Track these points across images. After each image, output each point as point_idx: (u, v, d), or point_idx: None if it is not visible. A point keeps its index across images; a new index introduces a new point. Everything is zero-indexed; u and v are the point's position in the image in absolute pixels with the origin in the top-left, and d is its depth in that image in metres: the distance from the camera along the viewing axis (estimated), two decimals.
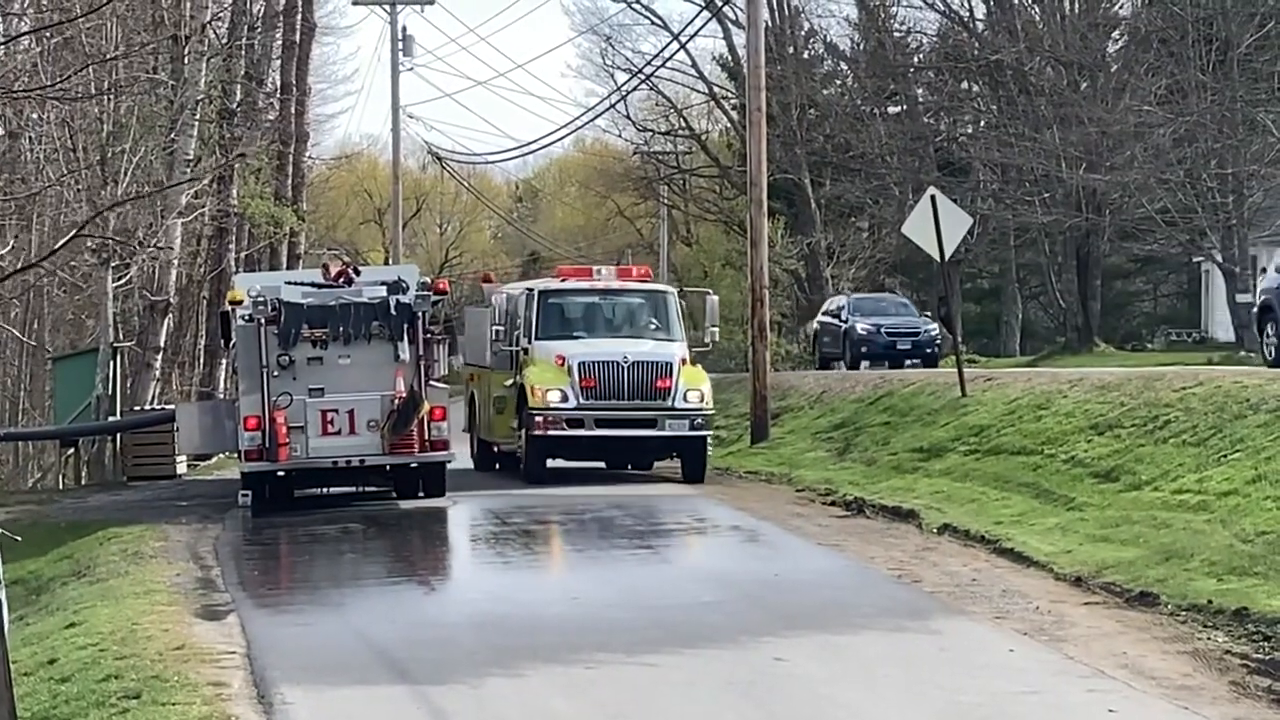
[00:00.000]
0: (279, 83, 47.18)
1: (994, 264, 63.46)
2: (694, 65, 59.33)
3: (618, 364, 26.10)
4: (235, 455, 27.11)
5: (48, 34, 28.50)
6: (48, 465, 41.90)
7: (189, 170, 36.19)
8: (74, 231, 29.57)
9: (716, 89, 61.34)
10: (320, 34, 52.93)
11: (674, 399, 26.06)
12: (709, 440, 27.01)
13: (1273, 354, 25.69)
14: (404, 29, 66.63)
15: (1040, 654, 13.04)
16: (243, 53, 42.93)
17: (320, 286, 25.07)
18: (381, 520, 23.33)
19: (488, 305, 30.37)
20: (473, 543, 22.49)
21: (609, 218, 78.48)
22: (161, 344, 38.17)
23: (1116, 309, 63.99)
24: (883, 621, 14.45)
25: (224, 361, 39.27)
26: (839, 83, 61.76)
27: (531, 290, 28.12)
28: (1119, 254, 55.73)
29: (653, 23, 60.12)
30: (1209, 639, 13.25)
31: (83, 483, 34.54)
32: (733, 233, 59.45)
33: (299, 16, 47.18)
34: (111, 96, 32.23)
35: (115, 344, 35.17)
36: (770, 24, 51.58)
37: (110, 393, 34.17)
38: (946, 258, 27.96)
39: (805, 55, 59.30)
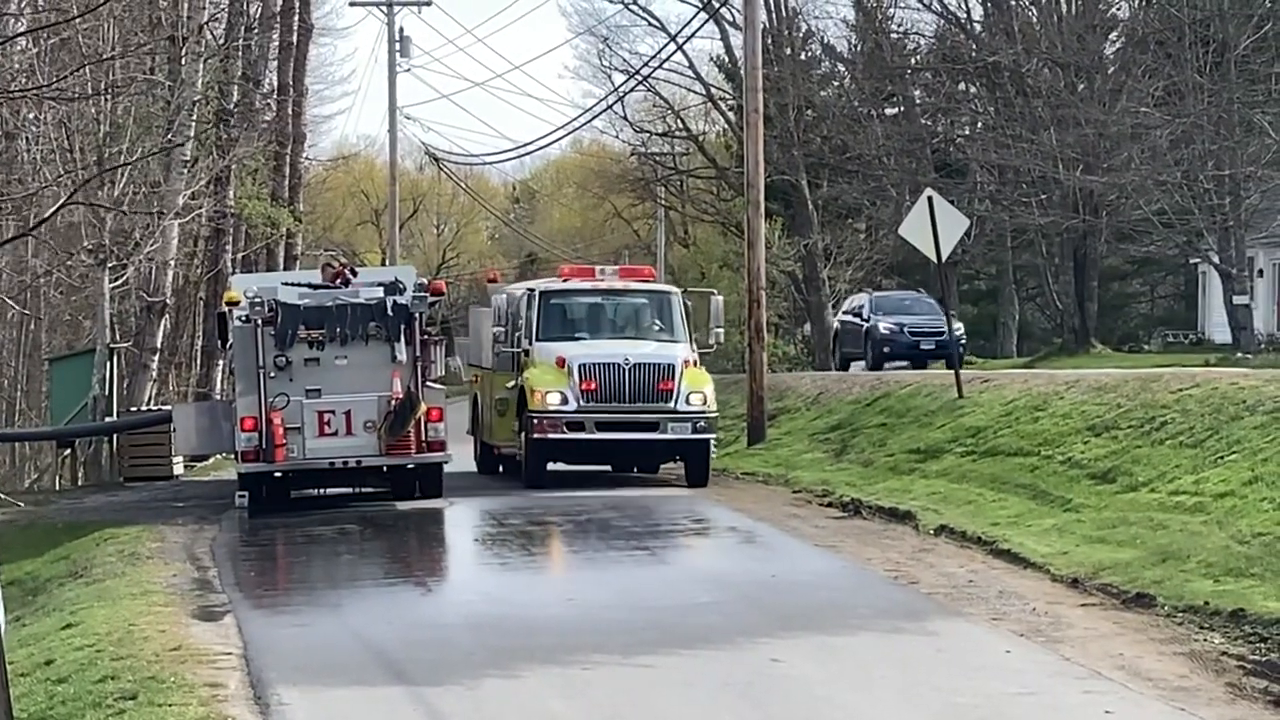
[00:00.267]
0: (276, 84, 47.21)
1: (991, 265, 63.49)
2: (691, 66, 59.36)
3: (619, 366, 25.68)
4: (232, 456, 27.13)
5: (45, 34, 28.53)
6: (44, 466, 41.90)
7: (186, 171, 36.18)
8: (66, 197, 29.49)
9: (714, 90, 61.33)
10: (317, 35, 53.05)
11: (676, 402, 25.64)
12: (713, 444, 26.63)
13: None
14: (401, 30, 66.76)
15: (1037, 655, 13.04)
16: (240, 54, 42.96)
17: (317, 287, 25.10)
18: (378, 521, 23.32)
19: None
20: (470, 544, 22.51)
21: (606, 219, 78.51)
22: (158, 345, 38.18)
23: (1113, 310, 64.04)
24: (879, 623, 14.45)
25: (221, 362, 39.29)
26: (836, 84, 61.75)
27: (533, 290, 27.66)
28: (1116, 255, 55.74)
29: (650, 24, 60.15)
30: (1205, 640, 13.25)
31: (79, 484, 34.54)
32: (730, 234, 59.46)
33: (296, 17, 47.19)
34: (108, 97, 32.29)
35: (112, 345, 35.18)
36: (767, 25, 51.55)
37: (107, 394, 34.17)
38: (943, 259, 27.95)
39: (802, 56, 59.27)
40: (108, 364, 34.36)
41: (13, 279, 39.91)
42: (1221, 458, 18.80)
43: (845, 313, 43.15)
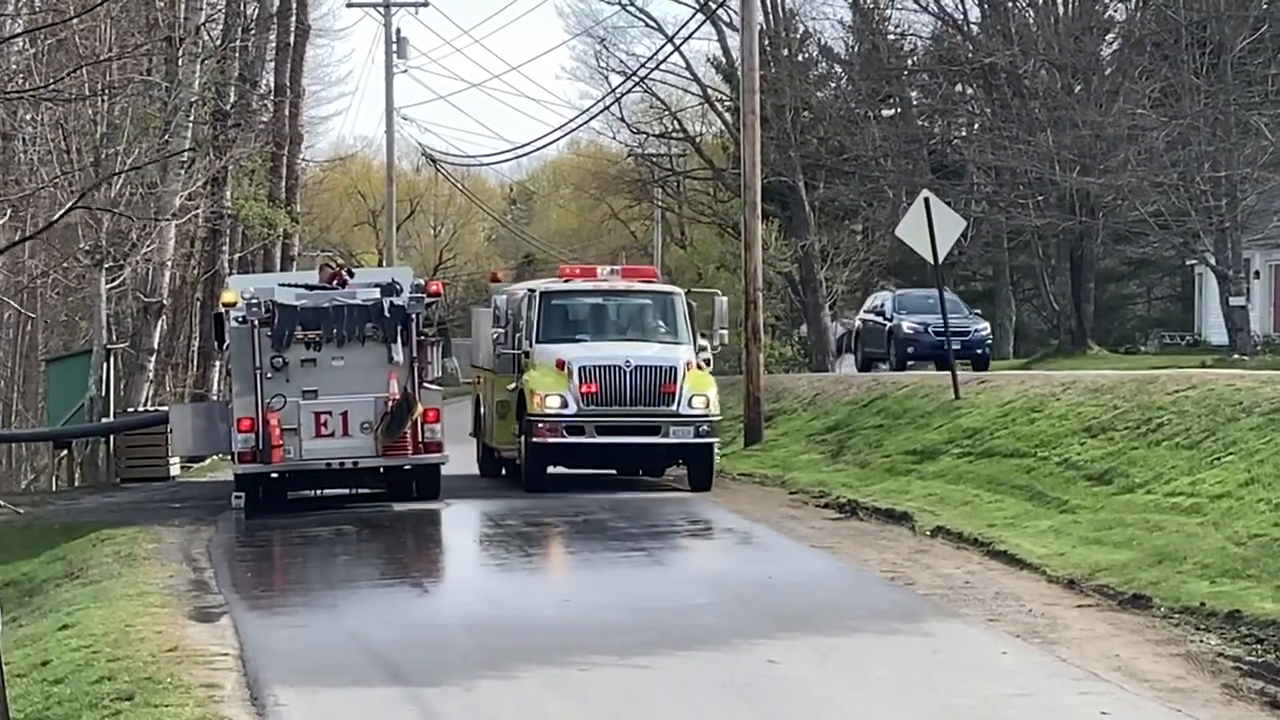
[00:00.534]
0: (273, 85, 47.21)
1: (987, 267, 63.52)
2: (688, 68, 59.32)
3: (620, 368, 25.10)
4: (229, 457, 27.10)
5: (42, 35, 28.53)
6: (41, 467, 41.91)
7: (183, 172, 36.17)
8: (66, 208, 29.53)
9: (711, 91, 61.32)
10: (314, 36, 53.06)
11: (678, 405, 25.03)
12: (716, 447, 26.07)
13: None
14: (398, 31, 66.69)
15: (1033, 656, 13.05)
16: (237, 55, 42.95)
17: (314, 288, 25.09)
18: (375, 522, 23.32)
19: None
20: (467, 545, 22.52)
21: (603, 220, 78.49)
22: (155, 346, 38.18)
23: (1110, 312, 64.06)
24: (876, 624, 14.46)
25: (217, 363, 39.28)
26: (833, 85, 61.74)
27: (533, 291, 27.07)
28: (1112, 257, 55.77)
29: (647, 25, 60.12)
30: (1202, 641, 13.27)
31: (76, 484, 34.53)
32: (726, 235, 59.43)
33: (293, 18, 47.19)
34: (105, 98, 32.27)
35: (109, 346, 35.18)
36: (764, 27, 51.53)
37: (104, 394, 34.18)
38: (940, 260, 27.94)
39: (800, 58, 59.27)
40: (104, 365, 34.36)
41: (9, 280, 39.91)
42: (1218, 459, 18.81)
43: (867, 311, 41.88)
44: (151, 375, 38.01)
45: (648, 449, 25.68)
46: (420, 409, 24.20)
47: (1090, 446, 21.63)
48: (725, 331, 28.16)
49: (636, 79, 55.65)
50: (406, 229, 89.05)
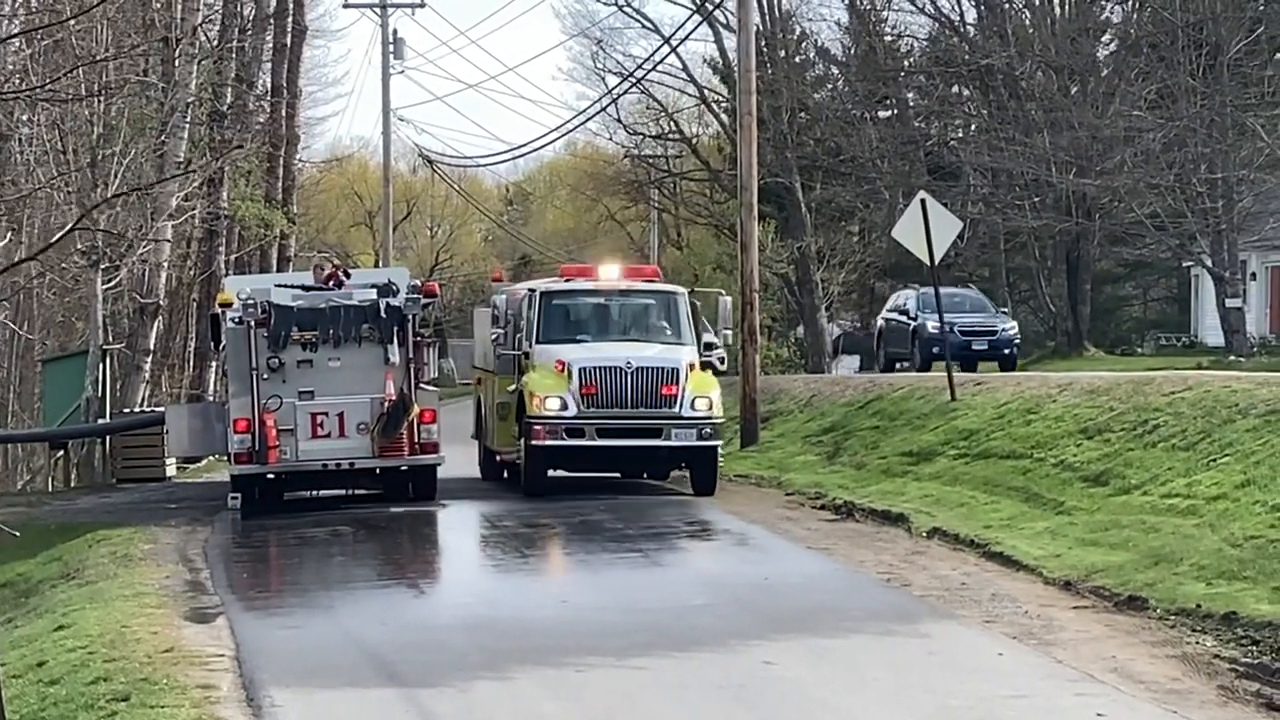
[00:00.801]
0: (269, 85, 47.17)
1: (984, 268, 63.50)
2: (685, 69, 59.38)
3: (620, 370, 24.43)
4: (225, 458, 27.09)
5: (38, 35, 28.51)
6: (37, 468, 41.88)
7: (179, 172, 36.14)
8: (64, 230, 29.54)
9: (707, 93, 61.38)
10: (311, 37, 52.96)
11: (680, 407, 24.39)
12: (719, 450, 25.27)
13: None
14: (395, 32, 66.72)
15: (1029, 658, 13.06)
16: (233, 55, 42.94)
17: (310, 289, 25.09)
18: (371, 523, 23.31)
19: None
20: (463, 546, 22.51)
21: (599, 221, 78.46)
22: (151, 346, 38.15)
23: (1106, 313, 64.05)
24: (872, 625, 14.48)
25: (214, 364, 39.25)
26: (830, 87, 61.80)
27: (533, 291, 26.38)
28: (1109, 258, 55.80)
29: (643, 26, 60.24)
30: (1198, 643, 13.28)
31: (72, 485, 34.50)
32: (723, 236, 59.44)
33: (290, 19, 47.17)
34: (102, 99, 32.26)
35: (105, 346, 35.14)
36: (761, 28, 51.57)
37: (100, 395, 34.14)
38: (936, 262, 27.94)
39: (796, 59, 59.33)
40: (101, 365, 34.32)
41: (5, 280, 39.88)
42: (1214, 460, 18.82)
43: (890, 310, 40.60)
44: (148, 376, 37.99)
45: (649, 452, 25.04)
46: (416, 410, 24.20)
47: (1086, 448, 21.64)
48: (730, 332, 27.72)
49: (633, 80, 55.75)
50: (403, 230, 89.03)
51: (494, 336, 26.97)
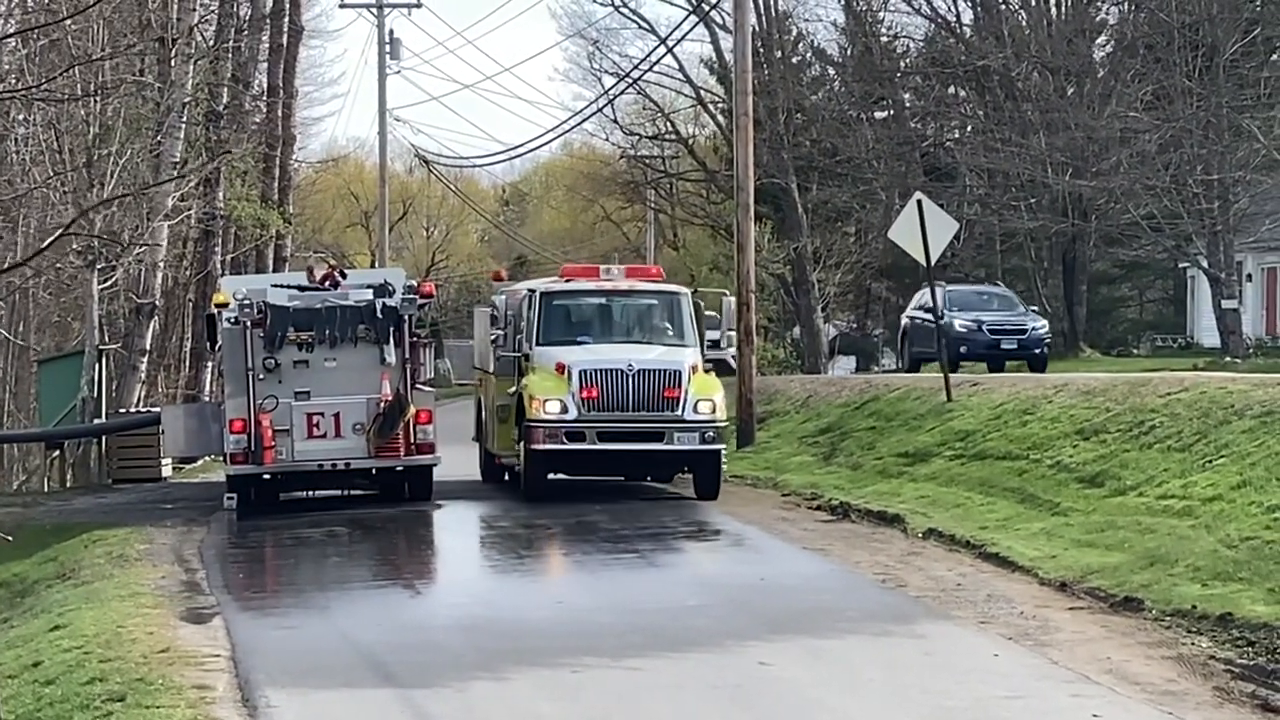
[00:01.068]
0: (266, 85, 47.16)
1: (980, 269, 63.49)
2: (681, 69, 59.39)
3: (622, 372, 23.79)
4: (221, 458, 27.09)
5: (34, 35, 28.50)
6: (33, 468, 41.84)
7: (175, 172, 36.15)
8: (60, 232, 29.52)
9: (704, 93, 61.41)
10: (307, 37, 52.93)
11: (683, 410, 23.75)
12: (723, 454, 24.61)
13: None
14: (391, 32, 66.83)
15: (1025, 659, 13.07)
16: (229, 55, 42.90)
17: (306, 289, 25.09)
18: (367, 524, 23.31)
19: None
20: (459, 547, 22.52)
21: (596, 222, 78.46)
22: (147, 346, 38.13)
23: (1102, 314, 64.06)
24: (868, 626, 14.48)
25: (210, 364, 39.26)
26: (826, 87, 61.81)
27: (533, 291, 25.74)
28: (1105, 259, 55.85)
29: (640, 27, 60.21)
30: (1193, 644, 13.29)
31: (68, 485, 34.49)
32: (719, 237, 59.49)
33: (286, 19, 47.17)
34: (98, 98, 32.24)
35: (101, 346, 35.14)
36: (757, 28, 51.56)
37: (96, 395, 34.15)
38: (932, 263, 27.96)
39: (793, 60, 59.35)
40: (96, 366, 34.33)
41: (1, 281, 39.86)
42: (1210, 462, 18.83)
43: (915, 308, 39.14)
44: (144, 376, 37.95)
45: (651, 456, 24.38)
46: (412, 410, 24.20)
47: (1082, 449, 21.65)
48: (734, 333, 27.18)
49: (629, 80, 55.76)
50: (399, 230, 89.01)
51: (493, 337, 26.48)
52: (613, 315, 25.76)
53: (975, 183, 52.43)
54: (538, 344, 24.79)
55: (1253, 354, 42.56)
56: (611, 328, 25.56)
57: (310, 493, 25.80)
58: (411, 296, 24.60)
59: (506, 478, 26.44)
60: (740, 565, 19.16)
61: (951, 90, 57.26)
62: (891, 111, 58.13)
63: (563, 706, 11.90)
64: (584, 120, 62.59)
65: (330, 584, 18.14)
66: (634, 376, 23.87)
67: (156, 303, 38.38)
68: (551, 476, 24.96)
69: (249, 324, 23.97)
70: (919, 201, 27.64)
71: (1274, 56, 46.68)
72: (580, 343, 24.81)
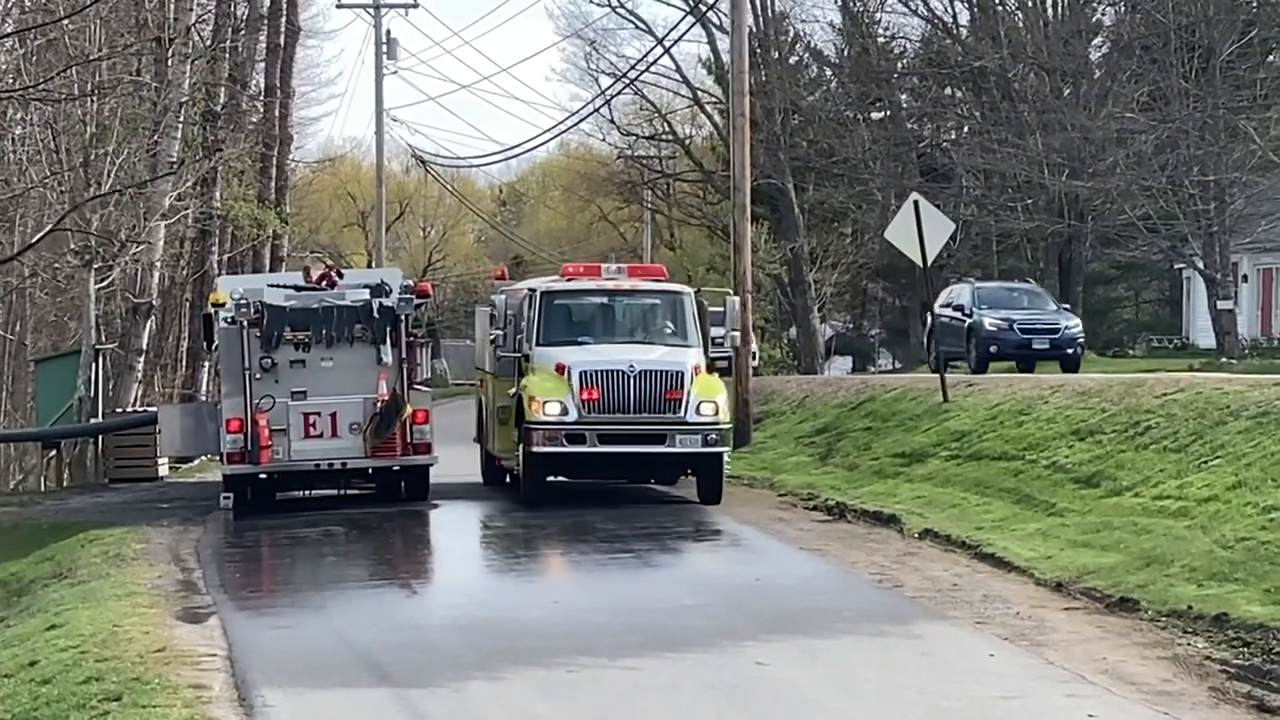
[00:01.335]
0: (263, 85, 47.15)
1: (976, 270, 63.51)
2: (678, 70, 59.45)
3: (623, 373, 23.24)
4: (217, 458, 27.10)
5: (31, 35, 28.51)
6: (29, 467, 41.84)
7: (172, 172, 36.16)
8: (51, 226, 29.55)
9: (700, 94, 61.46)
10: (304, 37, 52.90)
11: (685, 412, 23.21)
12: (726, 457, 24.15)
13: None
14: (388, 32, 66.86)
15: (1021, 659, 13.09)
16: (226, 55, 42.89)
17: (302, 289, 25.11)
18: (363, 523, 23.32)
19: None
20: (455, 546, 22.53)
21: (592, 222, 78.48)
22: (144, 346, 38.16)
23: (1098, 315, 64.06)
24: (864, 626, 14.50)
25: (206, 364, 39.25)
26: (823, 88, 61.85)
27: (534, 290, 25.14)
28: (1101, 260, 55.88)
29: (637, 27, 60.26)
30: (1189, 644, 13.30)
31: (64, 485, 34.47)
32: (716, 237, 59.51)
33: (283, 19, 47.13)
34: (95, 98, 32.28)
35: (98, 346, 35.15)
36: (754, 29, 51.60)
37: (92, 395, 34.15)
38: (929, 263, 27.99)
39: (790, 61, 59.39)
40: (93, 365, 34.33)
41: None
42: (1205, 462, 18.86)
43: (943, 306, 37.73)
44: (140, 376, 37.98)
45: (652, 459, 23.87)
46: (409, 410, 24.21)
47: (1078, 449, 21.68)
48: (737, 334, 26.76)
49: (626, 81, 55.81)
50: (396, 230, 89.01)
51: (492, 337, 25.88)
52: (615, 315, 25.23)
53: (972, 183, 52.47)
54: (538, 344, 24.26)
55: (1248, 355, 42.60)
56: (613, 328, 25.01)
57: (307, 492, 25.83)
58: (408, 296, 24.62)
59: (508, 480, 26.03)
60: (737, 565, 19.17)
61: (948, 91, 57.29)
62: (888, 112, 58.17)
63: (559, 706, 11.91)
64: (581, 120, 62.44)
65: (326, 583, 18.15)
66: (635, 378, 23.36)
67: (153, 302, 38.39)
68: (551, 478, 24.62)
69: (246, 324, 23.98)
70: (915, 202, 27.66)
71: (1270, 58, 46.74)
72: (581, 343, 24.27)
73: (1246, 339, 46.60)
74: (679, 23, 66.59)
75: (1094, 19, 53.85)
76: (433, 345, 27.45)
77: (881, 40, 59.03)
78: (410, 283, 25.76)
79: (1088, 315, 54.19)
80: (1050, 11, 52.06)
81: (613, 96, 58.36)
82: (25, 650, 14.60)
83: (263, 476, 24.10)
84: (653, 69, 54.56)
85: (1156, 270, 62.63)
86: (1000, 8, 53.39)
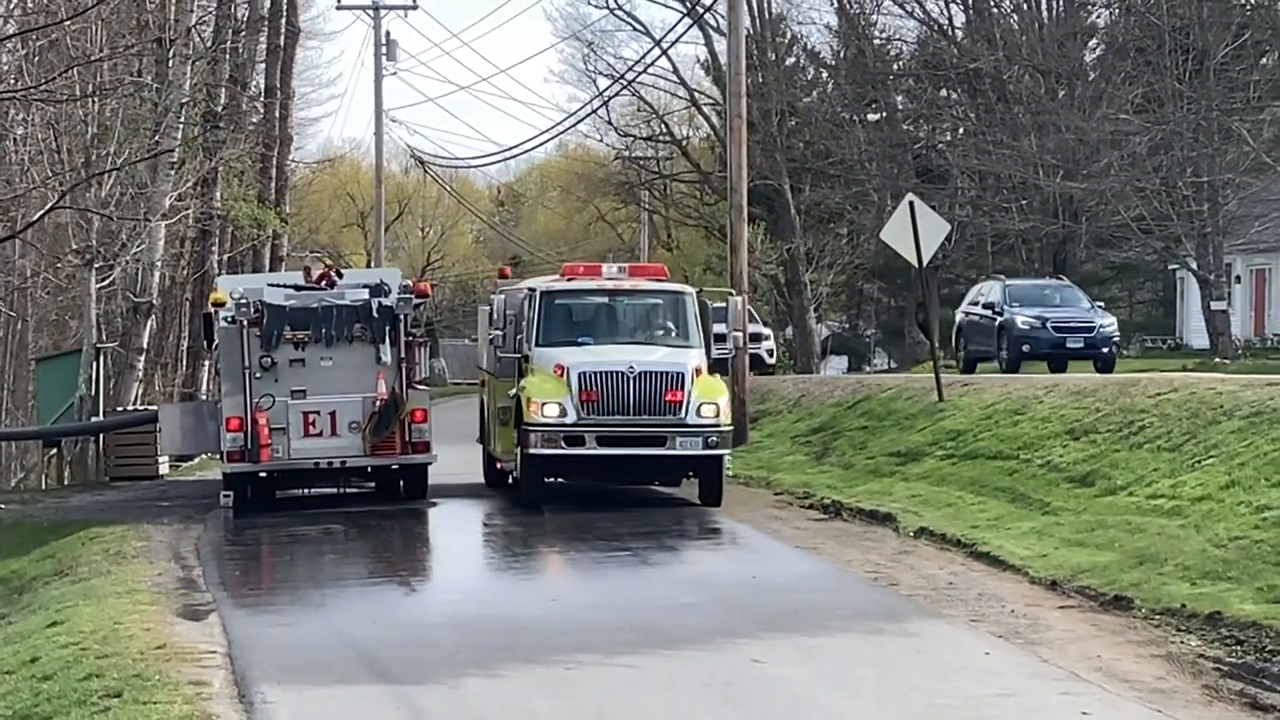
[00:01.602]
0: (263, 86, 47.17)
1: (971, 270, 63.58)
2: (675, 71, 59.52)
3: (623, 374, 22.87)
4: (217, 456, 27.17)
5: (33, 36, 28.57)
6: (31, 465, 41.91)
7: (172, 173, 36.23)
8: (48, 207, 29.54)
9: (697, 95, 61.50)
10: (304, 38, 52.90)
11: (686, 414, 22.85)
12: (726, 459, 23.85)
13: None
14: (388, 34, 66.99)
15: (1016, 657, 13.15)
16: (227, 56, 42.92)
17: (302, 289, 25.19)
18: (362, 521, 23.37)
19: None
20: (454, 544, 22.57)
21: (590, 222, 78.49)
22: (144, 345, 38.20)
23: None
24: (860, 624, 14.56)
25: (207, 363, 39.29)
26: (819, 90, 61.93)
27: (533, 290, 24.74)
28: (1095, 261, 55.93)
29: (634, 29, 60.38)
30: (1183, 643, 13.38)
31: (65, 483, 34.55)
32: (713, 238, 59.58)
33: (283, 20, 47.14)
34: (96, 99, 32.33)
35: (98, 345, 35.21)
36: (751, 31, 51.67)
37: (93, 393, 34.21)
38: (924, 264, 28.04)
39: (786, 62, 59.47)
40: (94, 364, 34.40)
41: (0, 280, 39.95)
42: (1199, 462, 18.93)
43: (971, 304, 36.96)
44: (141, 374, 38.02)
45: (651, 461, 23.48)
46: (408, 409, 24.30)
47: (1072, 449, 21.75)
48: (740, 334, 26.26)
49: (624, 82, 55.86)
50: (395, 230, 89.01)
51: (491, 337, 25.55)
52: (615, 315, 24.85)
53: (967, 184, 52.53)
54: (537, 345, 23.93)
55: (1241, 355, 42.69)
56: (614, 328, 24.61)
57: (306, 491, 25.91)
58: (407, 296, 24.70)
59: (510, 480, 25.56)
60: (733, 564, 19.25)
61: (943, 93, 57.35)
62: (884, 114, 58.26)
63: (556, 703, 11.98)
64: (579, 121, 62.50)
65: (326, 581, 18.20)
66: (635, 379, 22.99)
67: (154, 302, 38.44)
68: (549, 480, 24.47)
69: (246, 323, 24.06)
70: (911, 203, 27.72)
71: (1263, 60, 46.78)
72: (581, 344, 23.88)
73: (1240, 339, 46.67)
74: (676, 24, 66.70)
75: (1088, 21, 53.93)
76: (431, 345, 27.47)
77: (877, 42, 59.10)
78: (409, 282, 25.83)
79: None
80: (1045, 14, 52.17)
81: (610, 98, 58.46)
82: (26, 647, 14.66)
83: (262, 475, 24.19)
84: (650, 70, 54.71)
85: (1150, 271, 62.70)
86: (995, 10, 53.49)
